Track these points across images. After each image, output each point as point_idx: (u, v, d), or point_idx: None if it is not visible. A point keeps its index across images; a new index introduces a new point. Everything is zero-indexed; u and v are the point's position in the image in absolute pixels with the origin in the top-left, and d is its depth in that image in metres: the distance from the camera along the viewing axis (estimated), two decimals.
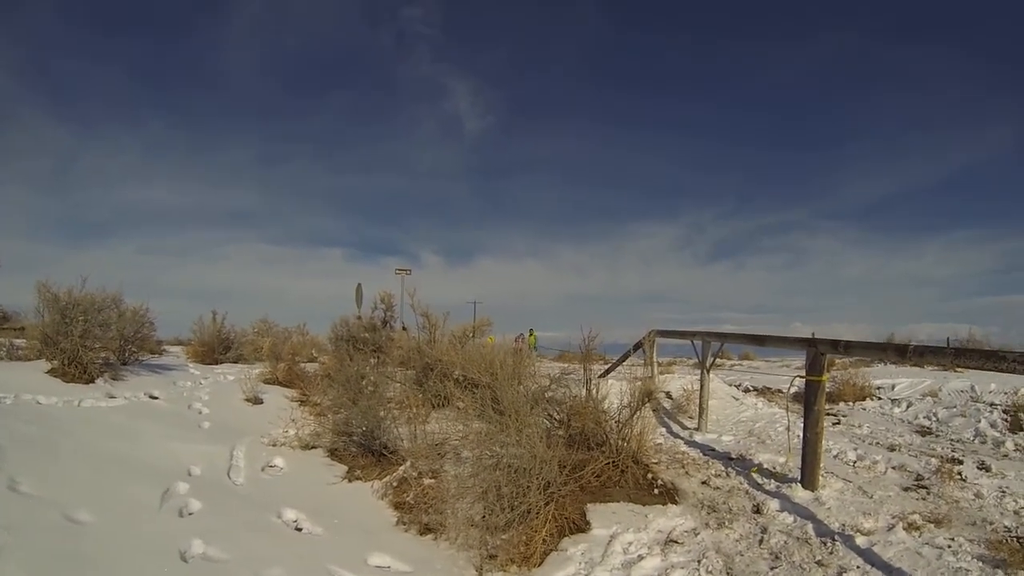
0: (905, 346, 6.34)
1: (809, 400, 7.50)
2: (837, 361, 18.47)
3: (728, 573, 5.51)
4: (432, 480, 7.64)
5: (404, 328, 16.93)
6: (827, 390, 14.02)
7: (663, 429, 10.36)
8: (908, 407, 12.55)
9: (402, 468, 8.10)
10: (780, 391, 14.31)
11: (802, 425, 7.55)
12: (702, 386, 10.69)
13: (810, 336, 7.80)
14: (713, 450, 9.32)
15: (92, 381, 10.55)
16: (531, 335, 27.36)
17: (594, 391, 7.84)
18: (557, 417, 7.87)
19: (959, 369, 15.37)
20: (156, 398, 10.83)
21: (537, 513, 6.30)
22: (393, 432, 8.90)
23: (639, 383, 7.91)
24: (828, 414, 12.25)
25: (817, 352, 7.50)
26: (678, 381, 13.18)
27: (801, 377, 7.87)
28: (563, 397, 8.00)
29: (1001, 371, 5.44)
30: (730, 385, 14.98)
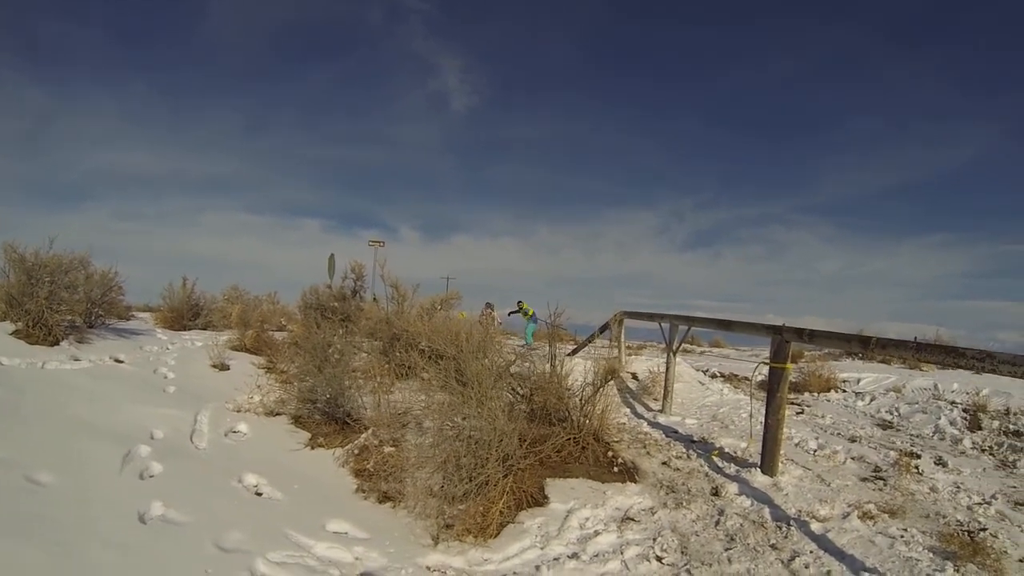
0: (868, 338, 6.42)
1: (772, 387, 7.54)
2: (806, 353, 18.61)
3: (683, 552, 5.54)
4: (392, 448, 7.63)
5: (375, 300, 16.84)
6: (793, 380, 14.15)
7: (627, 409, 10.41)
8: (871, 401, 12.66)
9: (363, 436, 8.08)
10: (747, 378, 14.38)
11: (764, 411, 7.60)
12: (668, 368, 10.71)
13: (778, 325, 7.80)
14: (676, 432, 9.33)
15: (57, 344, 10.42)
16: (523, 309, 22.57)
17: (558, 367, 7.84)
18: (521, 392, 7.87)
19: (925, 367, 15.54)
20: (121, 362, 10.72)
21: (495, 485, 6.31)
22: (357, 400, 8.88)
23: (603, 362, 7.93)
24: (792, 403, 12.34)
25: (782, 339, 7.54)
26: (645, 363, 13.23)
27: (766, 364, 7.91)
28: (528, 372, 8.00)
29: (960, 367, 5.52)
30: (697, 370, 15.06)
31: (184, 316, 18.89)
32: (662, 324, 11.12)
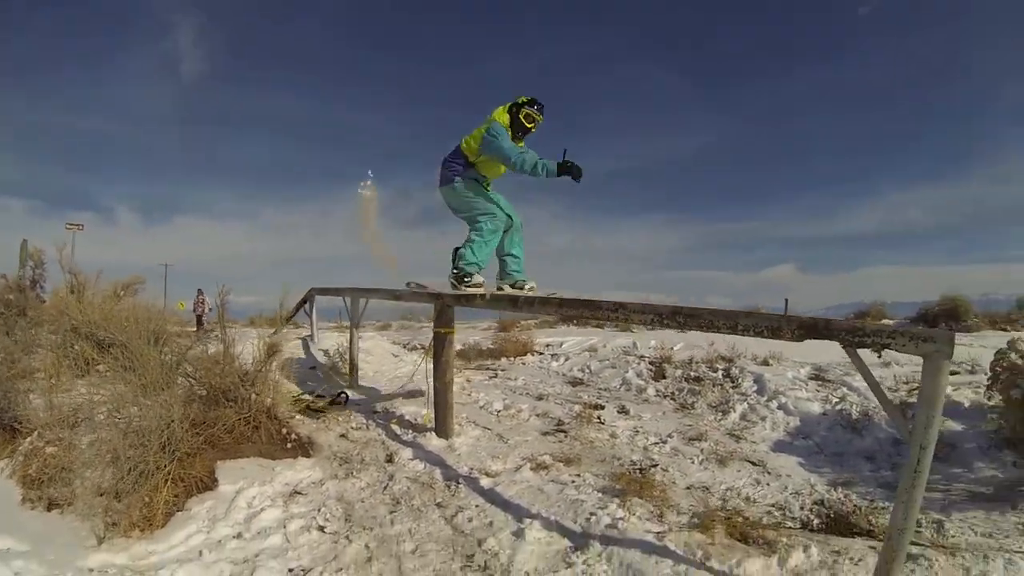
0: (517, 297, 6.69)
1: (437, 351, 7.79)
2: (522, 322, 19.23)
3: (346, 519, 5.58)
4: (54, 449, 7.15)
5: (73, 292, 15.75)
6: (491, 347, 14.58)
7: (317, 386, 10.13)
8: (566, 361, 13.32)
9: (28, 440, 7.51)
10: None
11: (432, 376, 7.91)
12: (351, 343, 10.86)
13: (438, 291, 7.95)
14: (359, 404, 9.36)
15: None
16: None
17: (228, 348, 7.66)
18: (195, 375, 7.63)
19: (635, 328, 16.48)
20: None
21: (160, 473, 6.05)
22: (27, 403, 8.23)
23: (267, 337, 7.85)
24: (489, 369, 12.80)
25: (443, 304, 7.72)
26: (335, 339, 13.10)
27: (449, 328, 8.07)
28: (202, 355, 7.77)
29: (598, 319, 5.93)
30: (395, 343, 15.22)
31: None
32: (345, 299, 11.14)
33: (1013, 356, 7.70)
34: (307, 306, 13.66)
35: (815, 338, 4.13)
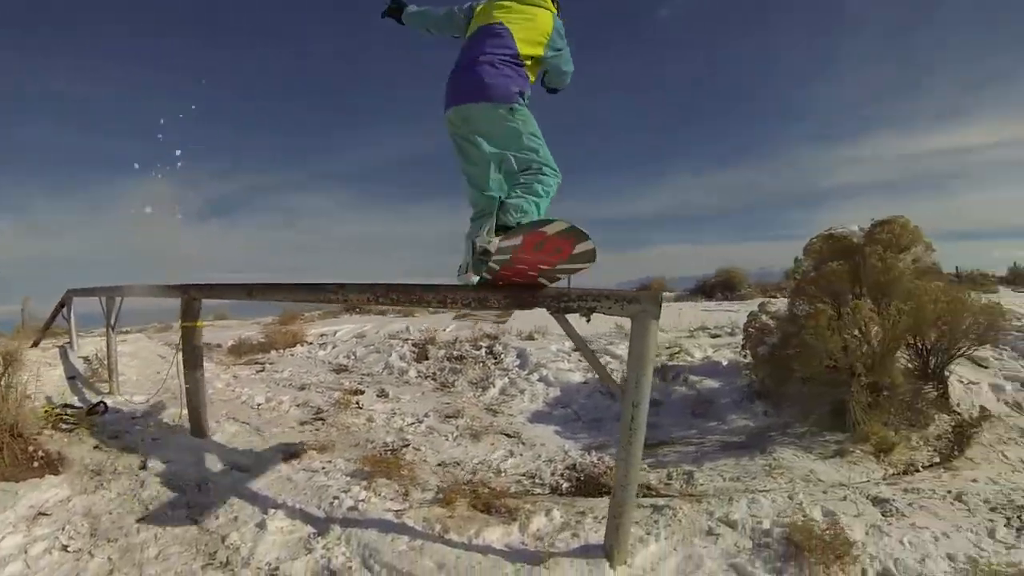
0: (252, 285, 6.74)
1: (186, 347, 7.63)
2: (306, 314, 19.19)
3: (92, 535, 5.56)
4: None
5: None
6: (261, 340, 14.58)
7: (76, 397, 9.69)
8: (333, 348, 13.55)
9: None
10: (219, 345, 14.40)
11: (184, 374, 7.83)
12: (108, 346, 10.52)
13: (182, 284, 7.80)
14: (120, 412, 8.98)
15: None
16: None
17: None
18: None
19: (418, 313, 16.84)
20: None
21: None
22: None
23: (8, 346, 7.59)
24: (256, 363, 12.79)
25: (190, 297, 7.61)
26: (98, 344, 12.57)
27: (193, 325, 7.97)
28: None
29: (321, 301, 6.08)
30: (166, 344, 14.73)
31: None
32: (101, 300, 10.73)
33: (764, 317, 8.75)
34: (65, 310, 12.98)
35: (522, 308, 4.49)
